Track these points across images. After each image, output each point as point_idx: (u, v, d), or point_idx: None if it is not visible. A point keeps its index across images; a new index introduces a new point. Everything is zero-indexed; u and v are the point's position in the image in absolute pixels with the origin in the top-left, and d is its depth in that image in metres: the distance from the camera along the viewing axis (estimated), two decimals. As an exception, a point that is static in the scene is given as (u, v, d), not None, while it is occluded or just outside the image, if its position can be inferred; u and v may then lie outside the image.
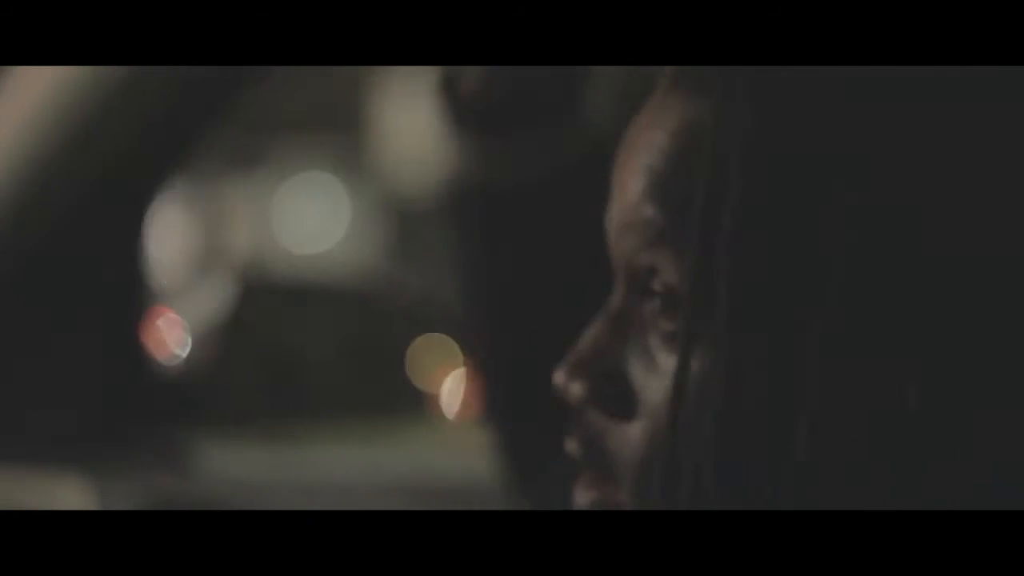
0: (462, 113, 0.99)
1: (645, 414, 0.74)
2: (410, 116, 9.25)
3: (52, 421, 1.52)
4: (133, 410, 1.54)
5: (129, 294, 1.55)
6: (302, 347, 1.55)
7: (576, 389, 0.76)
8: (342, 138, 10.74)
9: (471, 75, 0.98)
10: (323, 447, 1.74)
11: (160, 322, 1.56)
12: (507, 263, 1.01)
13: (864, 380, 0.68)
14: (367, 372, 1.56)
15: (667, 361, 0.73)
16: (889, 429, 0.68)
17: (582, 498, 0.77)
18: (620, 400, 0.75)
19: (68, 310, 1.52)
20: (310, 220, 10.60)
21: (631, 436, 0.74)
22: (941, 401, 0.67)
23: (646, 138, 0.74)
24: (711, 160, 0.69)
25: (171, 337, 1.56)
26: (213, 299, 1.47)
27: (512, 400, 1.03)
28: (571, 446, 0.78)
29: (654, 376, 0.74)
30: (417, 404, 1.55)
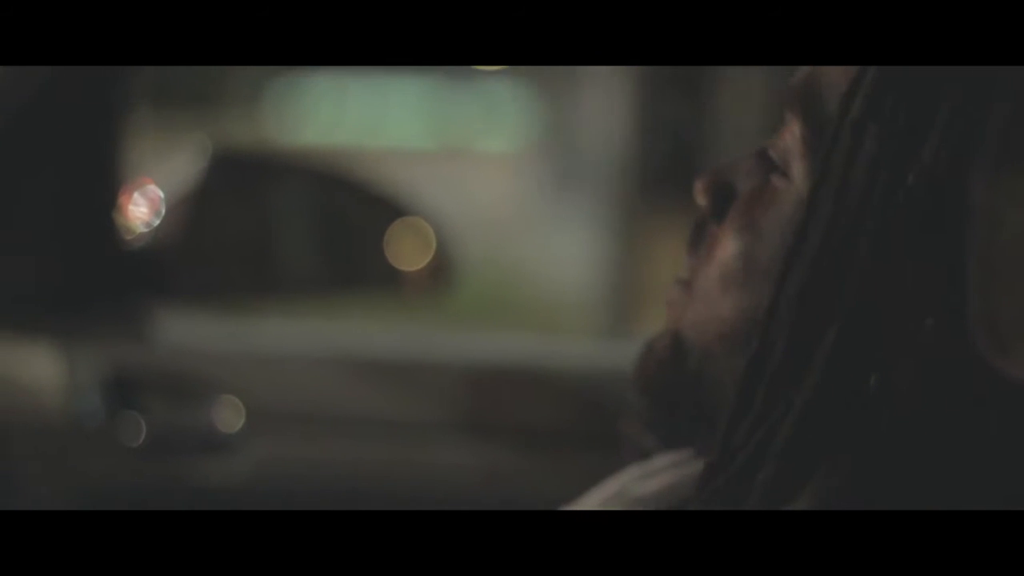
0: None
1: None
2: None
3: (20, 292, 1.54)
4: (100, 280, 1.57)
5: (102, 165, 1.57)
6: (274, 223, 1.57)
7: (705, 198, 0.85)
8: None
9: None
10: (288, 320, 1.76)
11: (134, 193, 1.58)
12: None
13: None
14: (341, 251, 1.58)
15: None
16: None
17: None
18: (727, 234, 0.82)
19: (38, 182, 1.53)
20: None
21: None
22: None
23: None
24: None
25: (144, 207, 1.57)
26: (188, 171, 1.49)
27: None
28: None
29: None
30: (389, 285, 1.57)
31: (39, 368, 1.52)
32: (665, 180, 6.43)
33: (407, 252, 1.64)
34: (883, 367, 0.71)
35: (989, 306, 0.68)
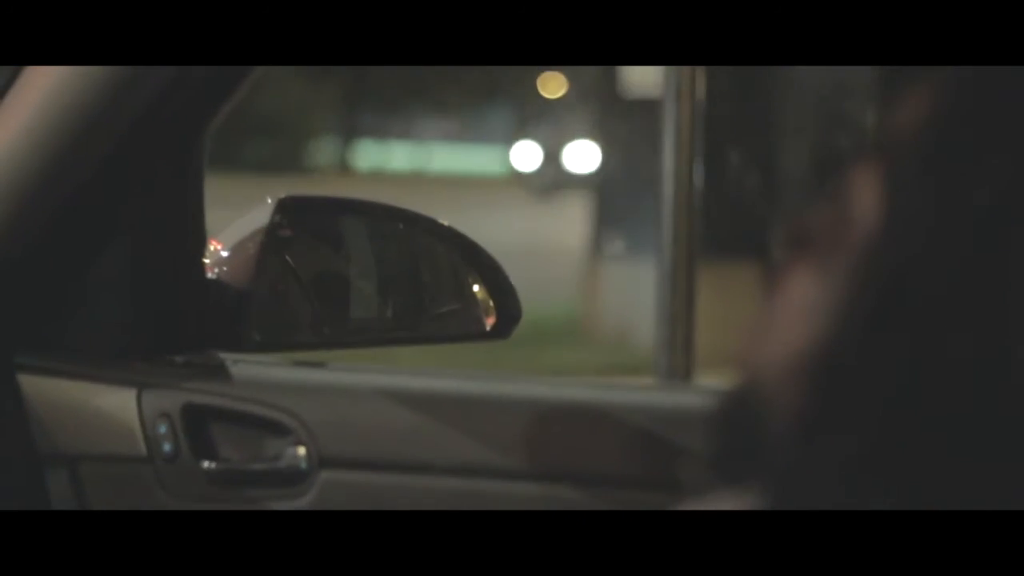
0: None
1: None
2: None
3: (102, 331, 1.58)
4: (178, 321, 1.60)
5: (181, 220, 1.60)
6: (346, 264, 1.59)
7: (787, 246, 0.86)
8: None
9: None
10: (357, 356, 1.78)
11: (212, 242, 1.62)
12: None
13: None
14: (414, 298, 1.60)
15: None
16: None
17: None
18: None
19: (124, 235, 1.57)
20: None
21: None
22: None
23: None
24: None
25: (216, 260, 1.61)
26: (262, 220, 1.51)
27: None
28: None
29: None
30: (462, 323, 1.59)
31: (116, 405, 1.55)
32: (729, 225, 6.40)
33: (474, 285, 1.65)
34: (950, 392, 0.72)
35: None
